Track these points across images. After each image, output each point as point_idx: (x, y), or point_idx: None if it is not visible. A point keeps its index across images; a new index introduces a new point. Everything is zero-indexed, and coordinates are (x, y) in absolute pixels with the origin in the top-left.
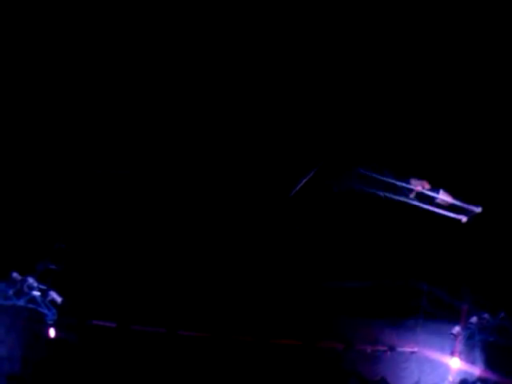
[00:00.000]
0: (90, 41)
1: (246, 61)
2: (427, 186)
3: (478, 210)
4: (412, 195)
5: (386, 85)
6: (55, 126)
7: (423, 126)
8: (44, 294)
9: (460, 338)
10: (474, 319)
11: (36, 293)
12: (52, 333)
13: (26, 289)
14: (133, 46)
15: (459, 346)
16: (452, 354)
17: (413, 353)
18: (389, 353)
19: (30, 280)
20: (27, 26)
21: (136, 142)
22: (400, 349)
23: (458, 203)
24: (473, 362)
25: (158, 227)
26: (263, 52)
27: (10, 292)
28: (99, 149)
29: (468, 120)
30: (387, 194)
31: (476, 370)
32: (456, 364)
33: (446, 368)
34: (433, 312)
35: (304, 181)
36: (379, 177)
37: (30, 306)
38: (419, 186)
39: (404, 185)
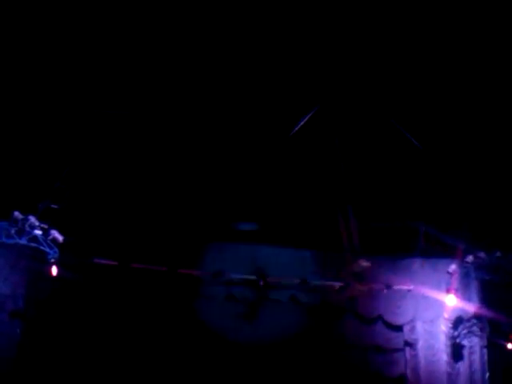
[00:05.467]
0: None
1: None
2: None
3: None
4: None
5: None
6: (55, 68)
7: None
8: (46, 232)
9: (456, 275)
10: (470, 258)
11: (38, 231)
12: (54, 271)
13: (27, 228)
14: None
15: (455, 283)
16: (448, 291)
17: (409, 291)
18: (385, 291)
19: (32, 219)
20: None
21: (136, 82)
22: (396, 287)
23: None
24: (468, 300)
25: (159, 165)
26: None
27: (12, 231)
28: (100, 88)
29: None
30: None
31: (471, 308)
32: (451, 301)
33: (442, 305)
34: (429, 251)
35: (303, 121)
36: None
37: (32, 244)
38: None
39: None
